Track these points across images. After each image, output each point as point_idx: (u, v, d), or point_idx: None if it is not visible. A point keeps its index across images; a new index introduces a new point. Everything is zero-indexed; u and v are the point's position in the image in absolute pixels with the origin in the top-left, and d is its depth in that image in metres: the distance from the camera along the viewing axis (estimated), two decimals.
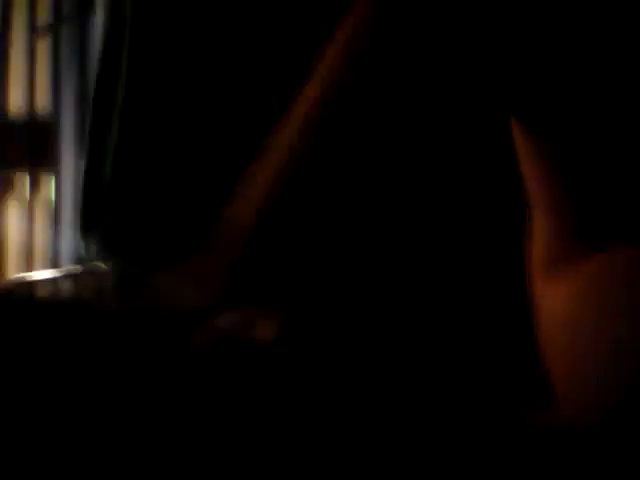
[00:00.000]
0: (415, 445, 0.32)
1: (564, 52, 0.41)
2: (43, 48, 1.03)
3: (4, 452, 0.29)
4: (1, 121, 1.16)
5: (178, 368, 0.31)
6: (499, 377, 0.44)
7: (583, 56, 0.41)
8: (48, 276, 0.49)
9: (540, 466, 0.33)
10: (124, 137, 0.61)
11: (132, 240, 0.56)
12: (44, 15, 1.03)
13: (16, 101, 1.16)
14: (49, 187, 1.10)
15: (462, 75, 0.45)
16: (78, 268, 0.57)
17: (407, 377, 0.40)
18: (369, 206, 0.48)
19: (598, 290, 0.40)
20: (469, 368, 0.45)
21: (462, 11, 0.44)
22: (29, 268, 1.13)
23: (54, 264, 0.97)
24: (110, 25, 0.66)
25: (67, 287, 0.43)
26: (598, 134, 0.41)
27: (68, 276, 0.49)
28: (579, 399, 0.38)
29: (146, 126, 0.59)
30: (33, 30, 0.97)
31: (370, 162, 0.48)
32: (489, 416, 0.35)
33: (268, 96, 0.49)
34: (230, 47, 0.52)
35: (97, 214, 0.66)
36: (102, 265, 0.57)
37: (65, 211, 0.91)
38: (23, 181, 1.17)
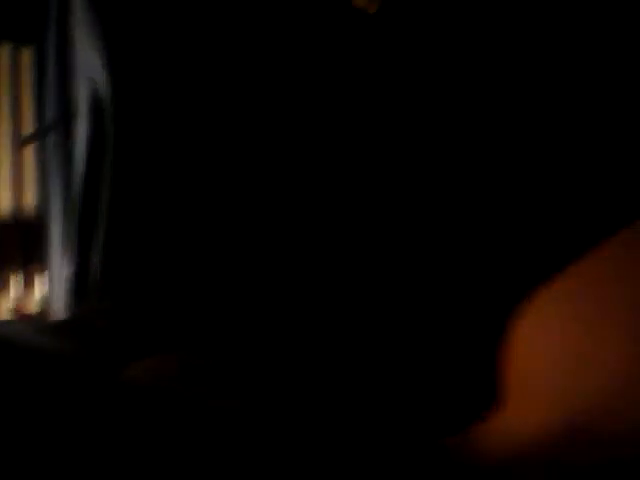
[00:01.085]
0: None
1: None
2: (29, 155, 1.08)
3: None
4: None
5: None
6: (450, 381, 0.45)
7: None
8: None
9: None
10: (110, 234, 0.64)
11: (120, 335, 0.58)
12: (28, 124, 1.08)
13: (6, 206, 1.21)
14: (40, 285, 1.14)
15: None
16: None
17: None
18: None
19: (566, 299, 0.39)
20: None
21: None
22: None
23: None
24: (92, 132, 0.71)
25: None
26: None
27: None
28: (527, 405, 0.38)
29: (130, 225, 0.62)
30: (19, 139, 1.02)
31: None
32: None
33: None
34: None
35: (85, 311, 0.69)
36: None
37: (56, 307, 0.94)
38: (15, 280, 1.20)
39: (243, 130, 0.55)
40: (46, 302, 1.01)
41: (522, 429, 0.36)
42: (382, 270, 0.49)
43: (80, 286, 0.70)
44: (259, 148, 0.55)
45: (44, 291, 1.06)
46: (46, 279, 0.99)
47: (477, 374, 0.43)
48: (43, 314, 1.07)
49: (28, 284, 1.17)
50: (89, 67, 0.70)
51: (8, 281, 1.22)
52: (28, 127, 1.14)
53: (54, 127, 0.85)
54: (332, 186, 0.51)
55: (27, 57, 1.23)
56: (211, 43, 0.57)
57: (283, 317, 0.50)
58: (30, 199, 1.17)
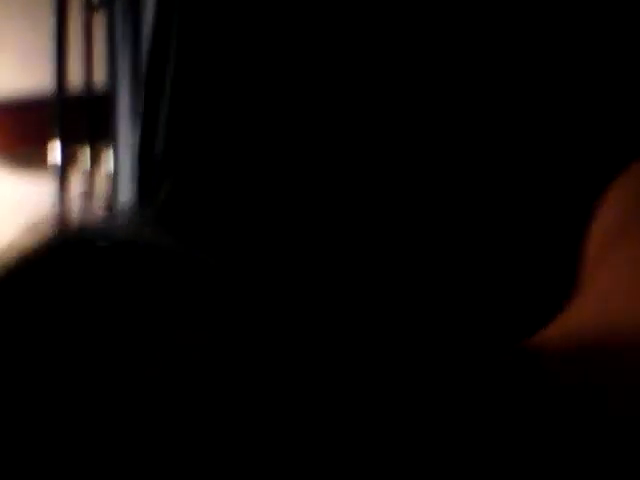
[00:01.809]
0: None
1: None
2: (99, 23, 1.05)
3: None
4: (62, 96, 1.19)
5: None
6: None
7: None
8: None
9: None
10: (176, 108, 0.63)
11: (186, 212, 0.57)
12: None
13: (75, 76, 1.19)
14: (108, 158, 1.13)
15: None
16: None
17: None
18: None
19: None
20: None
21: None
22: None
23: None
24: (159, 6, 0.68)
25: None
26: None
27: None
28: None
29: (197, 99, 0.60)
30: (89, 5, 1.00)
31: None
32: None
33: None
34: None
35: (152, 184, 0.68)
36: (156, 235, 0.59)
37: (123, 182, 0.93)
38: (83, 153, 1.20)
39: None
40: (112, 178, 1.00)
41: (602, 330, 0.33)
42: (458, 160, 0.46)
43: (146, 161, 0.69)
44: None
45: (111, 166, 1.05)
46: (113, 153, 0.98)
47: (555, 269, 0.39)
48: (108, 192, 1.06)
49: (95, 159, 1.17)
50: None
51: (76, 155, 1.22)
52: None
53: None
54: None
55: None
56: None
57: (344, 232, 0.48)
58: (99, 70, 1.15)
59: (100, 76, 1.15)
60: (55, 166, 1.21)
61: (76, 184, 1.22)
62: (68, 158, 1.19)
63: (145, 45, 0.76)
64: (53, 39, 1.12)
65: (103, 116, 1.21)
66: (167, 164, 0.64)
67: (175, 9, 0.64)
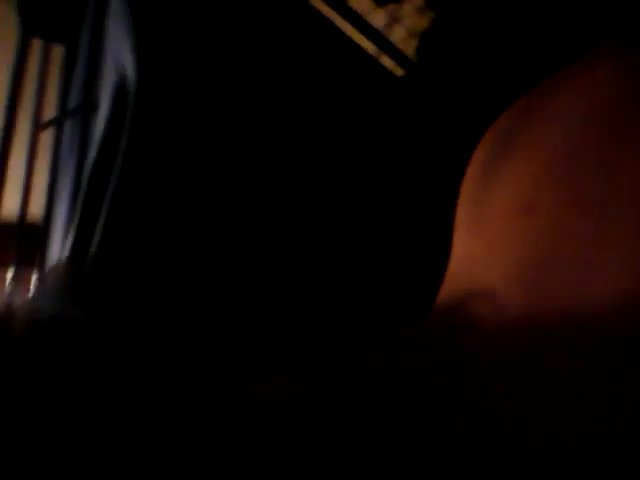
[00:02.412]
0: None
1: None
2: (44, 147, 1.06)
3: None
4: None
5: None
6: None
7: None
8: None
9: None
10: (110, 230, 0.63)
11: (113, 330, 0.57)
12: (49, 113, 1.07)
13: (10, 199, 1.18)
14: (32, 281, 1.11)
15: None
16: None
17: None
18: None
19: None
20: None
21: None
22: None
23: None
24: (111, 121, 0.69)
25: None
26: None
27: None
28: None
29: (132, 222, 0.61)
30: (36, 126, 1.01)
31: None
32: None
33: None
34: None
35: (79, 305, 0.67)
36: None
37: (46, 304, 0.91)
38: (7, 276, 1.17)
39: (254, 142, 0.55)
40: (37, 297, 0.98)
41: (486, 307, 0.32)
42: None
43: (76, 273, 0.68)
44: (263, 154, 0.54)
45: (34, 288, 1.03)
46: (40, 276, 0.97)
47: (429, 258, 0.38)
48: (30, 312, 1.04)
49: (19, 281, 1.15)
50: (118, 54, 0.69)
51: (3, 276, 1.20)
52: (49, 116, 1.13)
53: (74, 114, 0.83)
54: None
55: (56, 54, 1.21)
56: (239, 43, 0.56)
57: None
58: (37, 195, 1.14)
59: (37, 200, 1.15)
60: None
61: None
62: None
63: (86, 171, 0.77)
64: None
65: (32, 240, 1.20)
66: (96, 283, 0.63)
67: (120, 141, 0.66)
